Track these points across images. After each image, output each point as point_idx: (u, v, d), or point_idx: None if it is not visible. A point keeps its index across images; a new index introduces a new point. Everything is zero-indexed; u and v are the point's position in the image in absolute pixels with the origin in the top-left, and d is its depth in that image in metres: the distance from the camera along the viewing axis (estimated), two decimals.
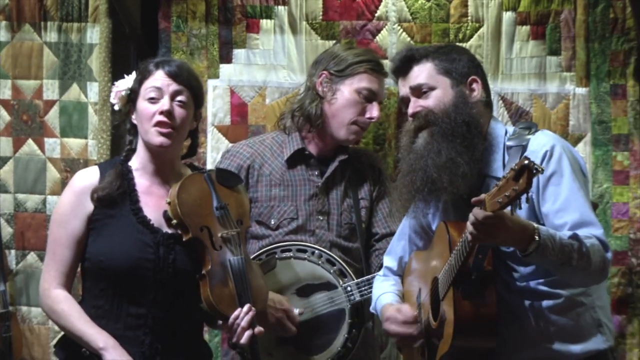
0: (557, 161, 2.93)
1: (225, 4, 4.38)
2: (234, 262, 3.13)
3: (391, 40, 4.29)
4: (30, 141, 4.48)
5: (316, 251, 3.68)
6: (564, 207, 2.89)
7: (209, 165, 4.34)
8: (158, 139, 3.15)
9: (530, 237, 2.73)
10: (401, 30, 4.28)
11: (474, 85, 3.10)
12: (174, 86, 3.17)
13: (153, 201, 3.19)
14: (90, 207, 3.16)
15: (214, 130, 4.38)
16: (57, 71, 4.47)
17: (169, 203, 3.14)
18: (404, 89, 3.14)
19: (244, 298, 3.11)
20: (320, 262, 3.66)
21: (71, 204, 3.17)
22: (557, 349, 2.96)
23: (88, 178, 3.21)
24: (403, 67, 3.14)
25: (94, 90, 4.44)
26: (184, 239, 3.12)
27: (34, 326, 4.48)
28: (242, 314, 3.09)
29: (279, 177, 3.77)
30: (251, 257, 3.70)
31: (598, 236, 2.87)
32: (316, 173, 3.78)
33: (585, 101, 4.26)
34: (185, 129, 3.22)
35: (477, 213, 2.67)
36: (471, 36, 4.27)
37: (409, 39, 4.27)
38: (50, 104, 4.47)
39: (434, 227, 3.19)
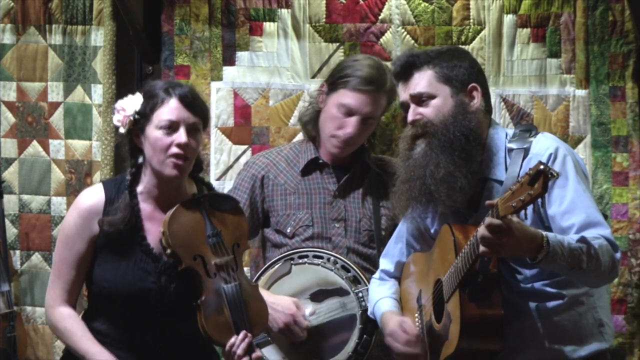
0: (561, 163, 2.95)
1: (228, 6, 4.39)
2: (228, 289, 3.10)
3: (395, 42, 4.31)
4: (35, 143, 4.50)
5: (332, 257, 3.71)
6: (570, 209, 2.91)
7: (212, 167, 4.37)
8: (173, 171, 3.11)
9: (539, 246, 2.75)
10: (405, 32, 4.30)
11: (474, 93, 3.10)
12: (190, 117, 3.11)
13: (155, 227, 3.16)
14: (96, 229, 3.15)
15: (217, 132, 4.40)
16: (62, 73, 4.49)
17: (163, 233, 3.11)
18: (404, 95, 3.16)
19: (240, 325, 3.09)
20: (335, 268, 3.69)
21: (77, 225, 3.17)
22: (560, 349, 2.98)
23: (93, 198, 3.19)
24: (404, 72, 3.15)
25: (98, 92, 4.46)
26: (178, 269, 3.10)
27: (38, 326, 4.50)
28: (238, 342, 3.06)
29: (293, 186, 3.82)
30: (270, 262, 3.76)
31: (606, 236, 2.89)
32: (332, 181, 3.82)
33: (585, 103, 4.28)
34: (195, 157, 3.18)
35: (490, 221, 2.68)
36: (473, 39, 4.29)
37: (412, 41, 4.29)
38: (54, 106, 4.50)
39: (432, 230, 3.20)
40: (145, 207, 3.18)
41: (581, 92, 4.27)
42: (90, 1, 4.47)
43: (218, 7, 4.40)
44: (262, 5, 4.39)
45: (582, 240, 2.83)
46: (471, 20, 4.29)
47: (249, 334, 3.08)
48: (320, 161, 3.82)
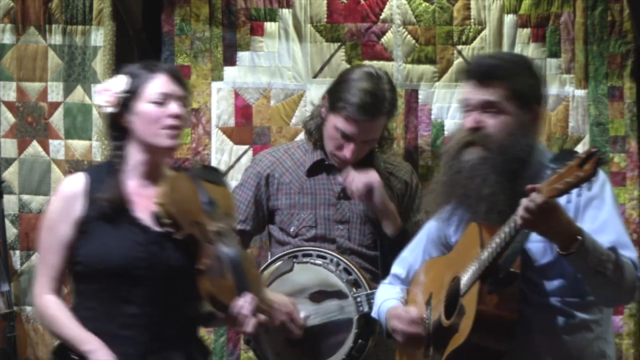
0: (600, 186, 2.91)
1: (229, 7, 4.40)
2: (229, 253, 3.13)
3: (396, 42, 4.32)
4: (35, 143, 4.50)
5: (335, 259, 3.71)
6: (601, 229, 2.87)
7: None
8: (169, 142, 3.16)
9: (574, 236, 2.73)
10: (406, 32, 4.31)
11: (537, 113, 3.05)
12: (178, 90, 3.18)
13: (143, 201, 3.18)
14: (78, 211, 3.16)
15: (218, 132, 4.41)
16: (62, 73, 4.49)
17: (160, 204, 3.13)
18: (472, 96, 3.05)
19: (242, 288, 3.11)
20: (337, 270, 3.69)
21: (59, 209, 3.17)
22: None
23: (74, 183, 3.20)
24: (481, 75, 3.05)
25: None
26: (177, 237, 3.12)
27: (38, 326, 4.50)
28: (245, 303, 3.09)
29: (298, 186, 3.81)
30: (273, 258, 3.79)
31: (632, 259, 2.86)
32: (337, 182, 3.81)
33: (584, 103, 4.30)
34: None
35: (535, 197, 2.66)
36: (474, 38, 4.30)
37: (413, 41, 4.30)
38: (54, 106, 4.50)
39: (453, 239, 3.18)
40: (132, 183, 3.20)
41: (580, 92, 4.29)
42: (90, 1, 4.47)
43: (219, 7, 4.40)
44: (263, 5, 4.39)
45: (612, 249, 2.81)
46: (472, 20, 4.30)
47: (254, 296, 3.11)
48: (327, 162, 3.82)
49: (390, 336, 3.26)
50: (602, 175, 2.90)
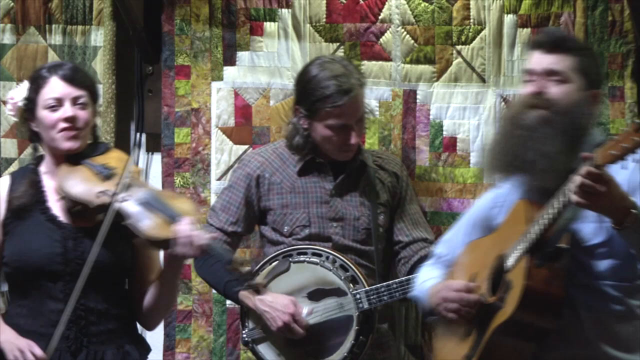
0: None
1: (228, 7, 4.40)
2: (145, 195, 3.23)
3: (395, 42, 4.31)
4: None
5: (331, 256, 3.71)
6: None
7: (213, 167, 4.38)
8: (67, 144, 3.25)
9: (628, 209, 2.69)
10: (404, 32, 4.31)
11: (596, 97, 3.04)
12: (73, 92, 3.26)
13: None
14: (2, 214, 3.26)
15: (218, 132, 4.41)
16: None
17: (62, 196, 3.23)
18: (538, 63, 3.03)
19: (174, 216, 3.18)
20: (333, 267, 3.69)
21: None
22: (606, 352, 2.90)
23: (1, 187, 3.31)
24: (549, 45, 3.03)
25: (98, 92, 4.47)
26: (93, 215, 3.21)
27: None
28: (181, 225, 3.15)
29: (289, 185, 3.81)
30: (267, 258, 3.78)
31: None
32: (329, 179, 3.81)
33: None
34: (89, 128, 3.32)
35: (589, 169, 2.62)
36: (473, 38, 4.29)
37: (412, 41, 4.30)
38: None
39: (497, 221, 3.14)
40: (51, 183, 3.30)
41: None
42: (90, 1, 4.47)
43: (218, 7, 4.40)
44: (262, 5, 4.39)
45: None
46: (471, 20, 4.30)
47: (188, 217, 3.18)
48: (318, 161, 3.81)
49: (431, 315, 3.19)
50: None
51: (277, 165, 3.83)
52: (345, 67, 3.73)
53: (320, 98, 3.67)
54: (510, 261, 2.91)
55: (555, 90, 2.98)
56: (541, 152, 2.91)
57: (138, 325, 3.45)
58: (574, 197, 2.68)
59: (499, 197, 3.14)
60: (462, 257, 3.23)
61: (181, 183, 4.42)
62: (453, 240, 3.32)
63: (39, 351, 3.14)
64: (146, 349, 3.41)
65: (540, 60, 3.03)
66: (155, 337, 4.33)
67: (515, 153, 2.96)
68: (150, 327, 3.49)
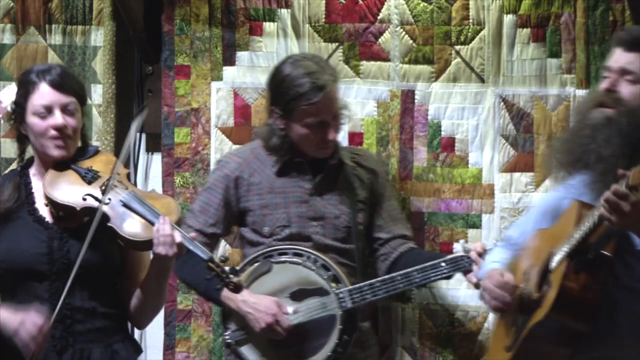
0: None
1: (228, 7, 4.40)
2: (125, 198, 3.24)
3: (394, 42, 4.31)
4: None
5: (312, 256, 3.71)
6: None
7: (212, 166, 4.37)
8: (56, 152, 3.27)
9: None
10: (403, 32, 4.30)
11: None
12: (62, 99, 3.26)
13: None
14: None
15: (218, 132, 4.41)
16: None
17: (48, 201, 3.24)
18: (615, 60, 3.04)
19: (153, 219, 3.21)
20: (315, 267, 3.70)
21: None
22: None
23: None
24: (629, 42, 3.03)
25: (98, 92, 4.47)
26: (79, 218, 3.23)
27: None
28: (161, 225, 3.17)
29: (268, 185, 3.80)
30: (248, 259, 3.78)
31: None
32: (307, 178, 3.81)
33: None
34: (78, 133, 3.33)
35: (617, 188, 2.60)
36: (473, 39, 4.28)
37: (411, 41, 4.29)
38: None
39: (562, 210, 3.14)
40: (39, 185, 3.32)
41: (582, 93, 4.26)
42: (90, 1, 4.48)
43: (218, 7, 4.40)
44: (262, 5, 4.40)
45: None
46: (470, 20, 4.29)
47: (172, 218, 3.21)
48: (296, 160, 3.80)
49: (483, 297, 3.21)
50: None
51: (256, 166, 3.82)
52: (317, 63, 3.74)
53: (295, 96, 3.67)
54: (554, 261, 2.92)
55: (626, 89, 2.97)
56: (600, 155, 2.90)
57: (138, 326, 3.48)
58: (601, 211, 2.68)
59: (570, 188, 3.10)
60: (529, 244, 3.22)
61: (181, 183, 4.42)
62: (524, 225, 3.31)
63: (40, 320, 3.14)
64: (136, 349, 3.41)
65: (618, 57, 3.02)
66: (155, 337, 4.36)
67: (578, 153, 2.97)
68: (140, 326, 3.51)
